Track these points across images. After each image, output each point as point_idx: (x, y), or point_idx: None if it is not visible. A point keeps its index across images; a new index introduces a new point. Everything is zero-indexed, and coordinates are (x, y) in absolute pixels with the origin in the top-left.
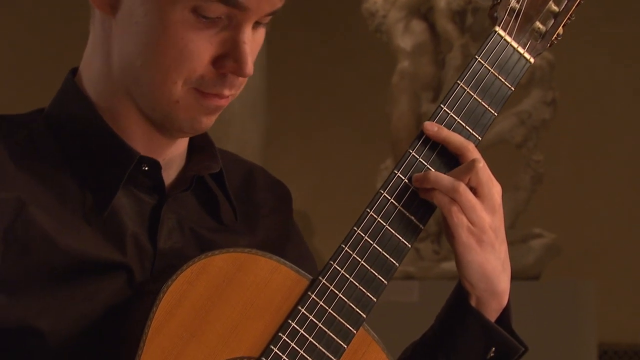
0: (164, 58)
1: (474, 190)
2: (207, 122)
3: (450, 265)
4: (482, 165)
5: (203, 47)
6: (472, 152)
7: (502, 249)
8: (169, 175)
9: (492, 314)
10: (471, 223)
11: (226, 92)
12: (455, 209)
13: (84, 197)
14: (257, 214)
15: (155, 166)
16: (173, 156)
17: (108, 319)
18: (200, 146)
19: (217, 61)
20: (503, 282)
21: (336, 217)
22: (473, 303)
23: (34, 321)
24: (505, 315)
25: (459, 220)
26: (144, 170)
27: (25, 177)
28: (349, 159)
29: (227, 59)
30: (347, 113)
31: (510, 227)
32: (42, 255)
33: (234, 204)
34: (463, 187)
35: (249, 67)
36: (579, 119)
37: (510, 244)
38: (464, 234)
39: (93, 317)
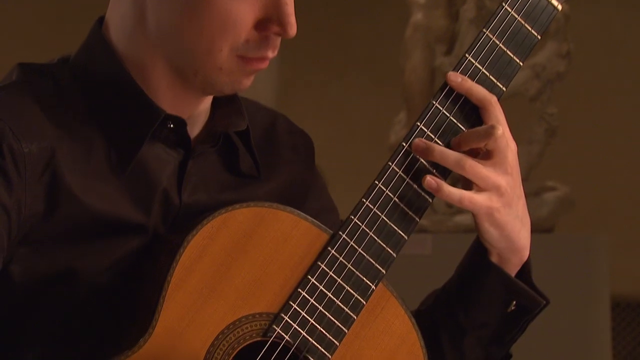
0: (209, 26)
1: (489, 153)
2: (247, 82)
3: (463, 218)
4: (500, 132)
5: (246, 13)
6: (494, 106)
7: (520, 205)
8: (194, 129)
9: (513, 269)
10: (484, 190)
11: (269, 54)
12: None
13: (109, 151)
14: (279, 164)
15: (181, 124)
16: (198, 112)
17: (131, 274)
18: (225, 100)
19: (260, 24)
20: (523, 238)
21: (349, 170)
22: (493, 259)
23: (71, 267)
24: (525, 269)
25: (468, 196)
26: (170, 127)
27: (53, 128)
28: (363, 112)
29: (270, 22)
30: (360, 66)
31: (524, 180)
32: (67, 211)
33: (258, 160)
34: (469, 164)
35: (294, 27)
36: (594, 71)
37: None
38: (477, 204)
39: (118, 270)
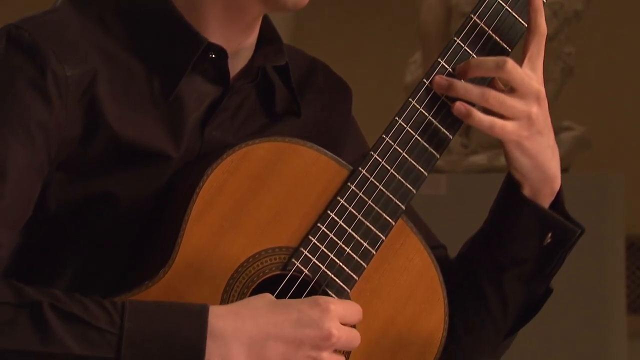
0: None
1: (512, 88)
2: None
3: (478, 159)
4: (509, 65)
5: None
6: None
7: (550, 135)
8: (236, 65)
9: (546, 200)
10: (512, 120)
11: None
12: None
13: (150, 82)
14: (314, 108)
15: (223, 54)
16: (242, 47)
17: (158, 205)
18: (267, 39)
19: None
20: (554, 167)
21: (364, 110)
22: (526, 192)
23: (103, 194)
24: (558, 200)
25: (500, 123)
26: (211, 57)
27: (95, 54)
28: (378, 52)
29: None
30: (375, 6)
31: None
32: (101, 138)
33: (297, 99)
34: (493, 95)
35: None
36: (612, 10)
37: None
38: (508, 131)
39: (148, 200)
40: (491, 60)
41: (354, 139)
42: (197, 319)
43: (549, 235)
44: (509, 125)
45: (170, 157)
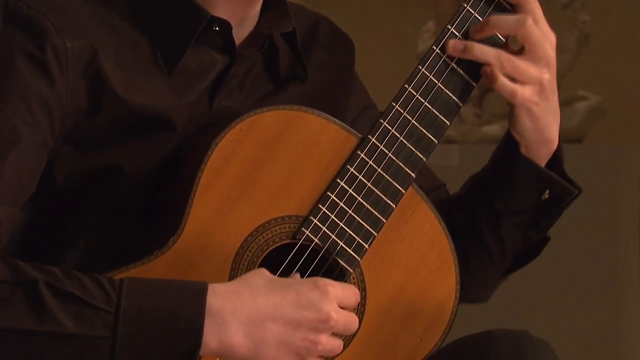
0: None
1: (525, 47)
2: None
3: (491, 129)
4: (529, 23)
5: None
6: (531, 3)
7: (554, 99)
8: (242, 33)
9: (542, 160)
10: (523, 84)
11: None
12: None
13: (155, 54)
14: (316, 66)
15: (226, 26)
16: (248, 16)
17: (167, 175)
18: (272, 3)
19: None
20: (553, 131)
21: (376, 79)
22: (522, 150)
23: (113, 165)
24: (557, 160)
25: (520, 90)
26: (215, 30)
27: (97, 27)
28: (390, 21)
29: None
30: None
31: None
32: (109, 109)
33: (305, 63)
34: (506, 57)
35: None
36: None
37: None
38: (524, 97)
39: (156, 169)
40: (512, 17)
41: (358, 92)
42: (196, 297)
43: (547, 191)
44: (525, 91)
45: (177, 124)
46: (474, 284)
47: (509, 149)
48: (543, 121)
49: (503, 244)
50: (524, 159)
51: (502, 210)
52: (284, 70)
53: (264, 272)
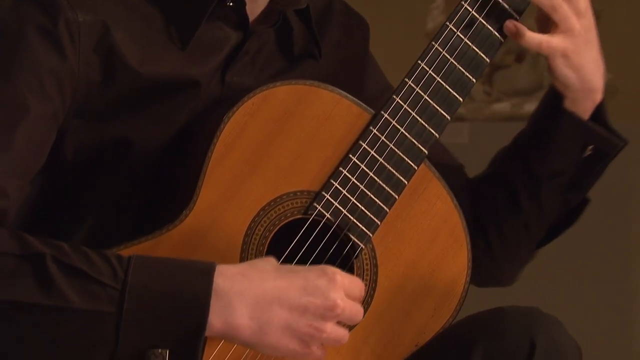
0: None
1: None
2: None
3: (501, 107)
4: None
5: None
6: None
7: (595, 48)
8: (256, 9)
9: (586, 114)
10: (560, 33)
11: None
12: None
13: (168, 28)
14: (334, 46)
15: (240, 2)
16: None
17: (180, 148)
18: None
19: None
20: (597, 80)
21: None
22: (567, 105)
23: (123, 138)
24: (600, 112)
25: (547, 39)
26: (229, 5)
27: (111, 2)
28: None
29: None
30: None
31: None
32: (123, 83)
33: (319, 42)
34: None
35: None
36: None
37: None
38: (554, 47)
39: (169, 142)
40: None
41: (374, 74)
42: (203, 277)
43: (590, 147)
44: (554, 40)
45: (193, 93)
46: (506, 258)
47: (551, 104)
48: (585, 69)
49: (542, 211)
50: (567, 112)
51: (541, 172)
52: (297, 48)
53: (272, 259)
